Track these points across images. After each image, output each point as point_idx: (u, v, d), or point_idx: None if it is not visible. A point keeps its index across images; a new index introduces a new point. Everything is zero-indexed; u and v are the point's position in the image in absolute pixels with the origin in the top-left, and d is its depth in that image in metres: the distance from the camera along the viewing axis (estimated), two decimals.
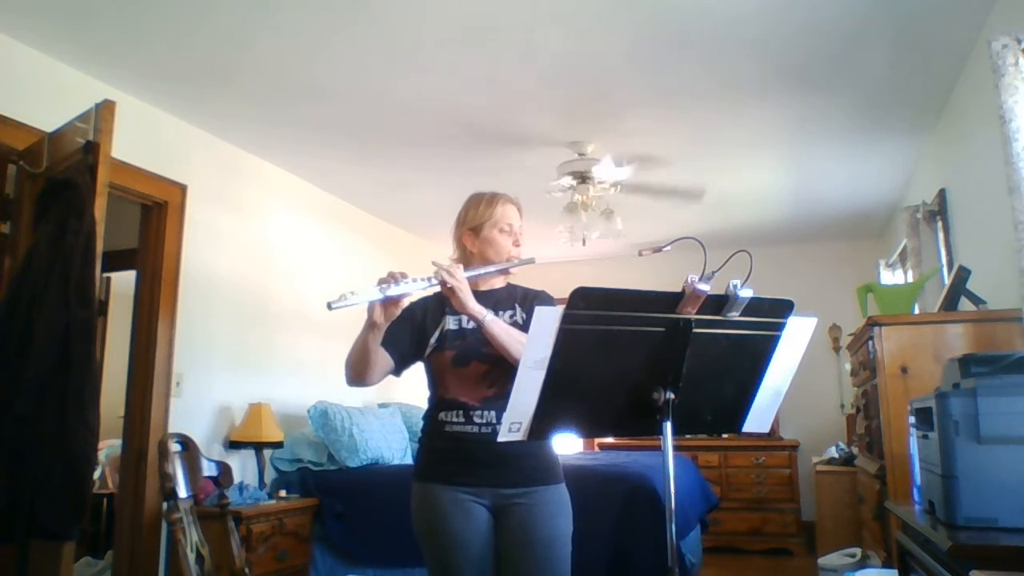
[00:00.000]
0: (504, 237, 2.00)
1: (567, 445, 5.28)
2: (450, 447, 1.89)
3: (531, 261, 2.01)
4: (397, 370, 1.94)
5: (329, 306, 1.67)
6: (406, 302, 1.82)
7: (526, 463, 1.87)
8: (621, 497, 3.36)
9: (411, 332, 1.96)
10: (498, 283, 2.04)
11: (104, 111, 2.46)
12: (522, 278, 2.14)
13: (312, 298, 4.67)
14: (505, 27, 2.81)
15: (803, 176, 4.63)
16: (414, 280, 1.76)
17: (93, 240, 2.32)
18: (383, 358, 1.88)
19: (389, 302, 1.75)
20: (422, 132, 3.86)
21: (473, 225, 2.02)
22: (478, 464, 1.85)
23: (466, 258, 2.03)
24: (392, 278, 1.74)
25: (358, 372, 1.87)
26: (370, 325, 1.79)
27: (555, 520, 1.87)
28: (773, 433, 5.86)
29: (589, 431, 1.54)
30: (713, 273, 1.31)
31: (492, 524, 1.87)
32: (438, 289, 1.86)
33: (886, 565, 2.92)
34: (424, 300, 2.00)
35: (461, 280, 1.82)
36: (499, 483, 1.85)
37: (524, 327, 1.89)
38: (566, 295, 1.31)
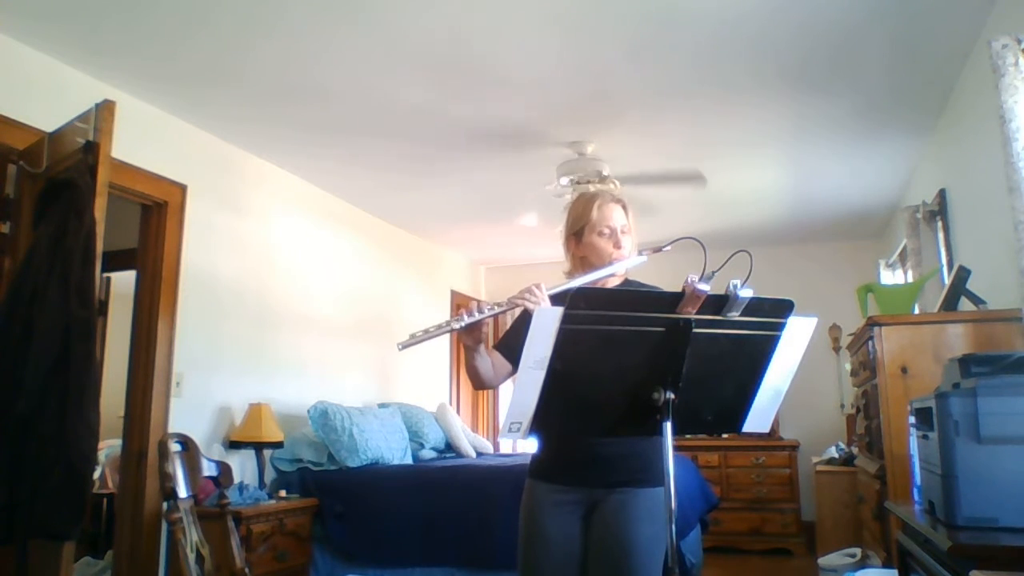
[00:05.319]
0: (604, 241, 1.95)
1: None
2: (555, 447, 1.91)
3: (640, 262, 1.93)
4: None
5: (399, 346, 1.76)
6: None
7: (621, 464, 1.82)
8: None
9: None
10: (611, 283, 2.01)
11: (104, 111, 2.46)
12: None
13: (312, 298, 4.67)
14: (505, 27, 2.81)
15: (803, 176, 4.63)
16: (489, 308, 1.79)
17: (93, 240, 2.31)
18: (500, 365, 1.96)
19: (472, 327, 1.80)
20: (422, 132, 3.86)
21: (575, 230, 2.00)
22: (575, 464, 1.86)
23: (574, 263, 2.02)
24: (467, 311, 1.79)
25: (475, 382, 1.96)
26: (465, 347, 1.88)
27: (639, 525, 1.78)
28: (773, 433, 5.85)
29: (589, 431, 1.53)
30: (713, 273, 1.31)
31: (584, 524, 1.85)
32: (513, 311, 1.88)
33: (886, 565, 2.92)
34: None
35: (539, 299, 1.83)
36: (592, 483, 1.84)
37: None
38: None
